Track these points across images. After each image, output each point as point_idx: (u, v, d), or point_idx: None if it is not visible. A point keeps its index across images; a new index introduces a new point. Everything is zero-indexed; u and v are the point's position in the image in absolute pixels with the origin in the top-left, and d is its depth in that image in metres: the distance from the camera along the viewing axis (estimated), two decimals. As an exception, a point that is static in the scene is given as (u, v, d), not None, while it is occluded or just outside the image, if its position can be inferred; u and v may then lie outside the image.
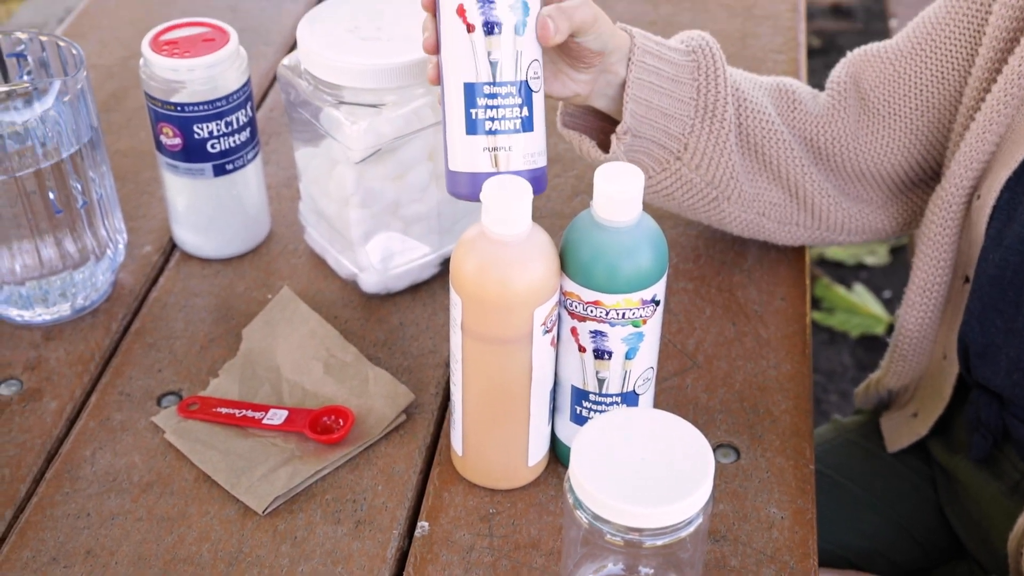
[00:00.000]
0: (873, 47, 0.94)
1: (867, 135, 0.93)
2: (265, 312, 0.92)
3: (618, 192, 0.73)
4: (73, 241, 0.90)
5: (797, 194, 0.94)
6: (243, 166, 0.95)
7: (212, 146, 0.92)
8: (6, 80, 0.90)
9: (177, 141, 0.92)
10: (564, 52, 0.82)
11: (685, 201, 0.93)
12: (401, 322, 0.94)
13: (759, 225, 0.95)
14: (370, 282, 0.94)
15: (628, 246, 0.74)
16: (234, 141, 0.93)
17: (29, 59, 0.90)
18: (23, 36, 0.89)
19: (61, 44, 0.88)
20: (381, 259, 0.93)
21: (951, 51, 0.90)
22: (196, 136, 0.91)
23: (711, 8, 1.30)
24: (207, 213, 0.96)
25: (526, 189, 0.72)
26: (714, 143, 0.88)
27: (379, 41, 0.87)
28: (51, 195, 0.87)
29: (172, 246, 1.01)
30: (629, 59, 0.84)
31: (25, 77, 0.90)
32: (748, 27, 1.27)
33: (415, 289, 0.96)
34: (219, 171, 0.94)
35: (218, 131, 0.91)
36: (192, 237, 0.98)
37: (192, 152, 0.92)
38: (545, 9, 0.78)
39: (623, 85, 0.85)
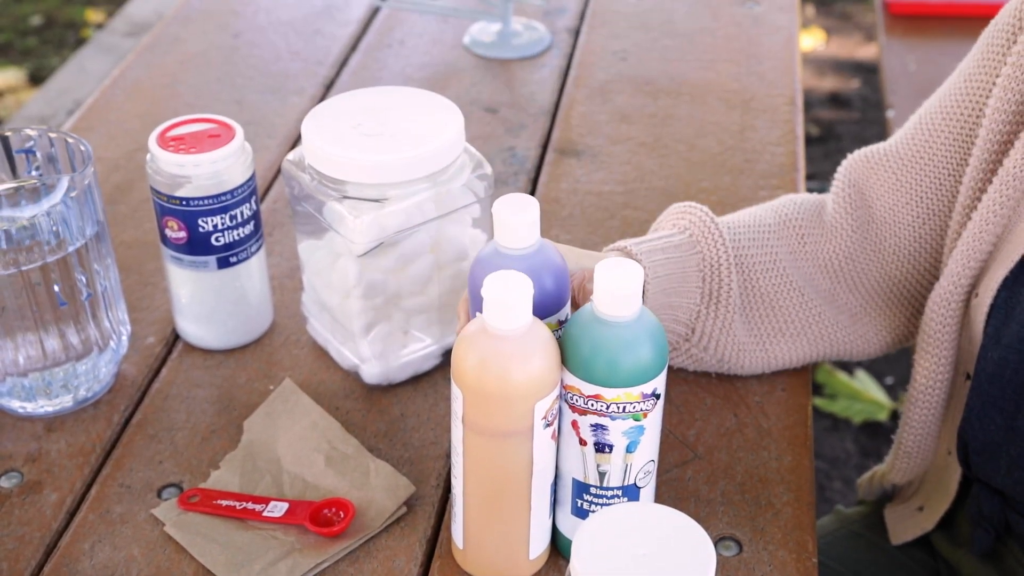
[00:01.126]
0: (873, 150, 0.96)
1: (878, 241, 0.95)
2: (267, 404, 0.93)
3: (618, 287, 0.73)
4: (77, 333, 0.90)
5: (813, 338, 0.96)
6: (247, 258, 0.96)
7: (216, 239, 0.93)
8: (15, 175, 0.91)
9: (182, 234, 0.93)
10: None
11: (699, 367, 0.97)
12: (402, 413, 0.94)
13: (773, 369, 0.97)
14: (372, 373, 0.94)
15: (628, 340, 0.75)
16: (238, 234, 0.94)
17: (38, 154, 0.91)
18: (32, 132, 0.91)
19: (70, 140, 0.90)
20: (382, 351, 0.94)
21: (947, 156, 0.91)
22: (200, 229, 0.92)
23: (709, 101, 1.32)
24: (210, 305, 0.97)
25: (526, 284, 0.73)
26: (720, 326, 0.93)
27: (382, 137, 0.88)
28: (56, 288, 0.87)
29: (175, 337, 1.01)
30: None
31: (33, 172, 0.91)
32: (746, 120, 1.29)
33: (416, 380, 0.97)
34: (223, 264, 0.95)
35: (222, 224, 0.93)
36: (195, 328, 0.99)
37: (196, 245, 0.93)
38: (581, 285, 0.83)
39: None
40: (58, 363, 0.90)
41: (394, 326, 0.94)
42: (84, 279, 0.89)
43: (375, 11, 1.54)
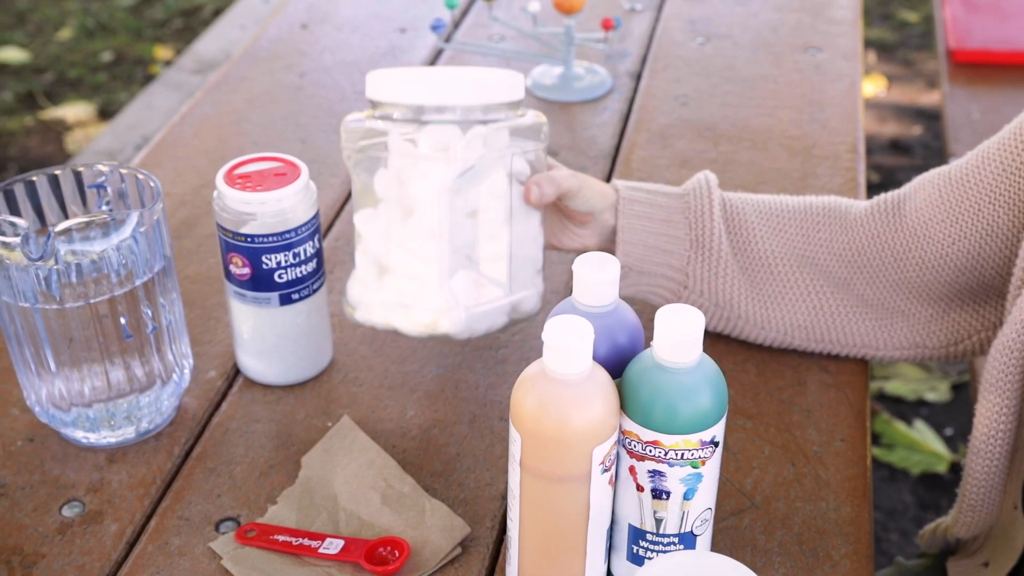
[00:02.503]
0: (933, 171, 0.99)
1: (904, 250, 0.97)
2: (325, 440, 0.93)
3: (679, 334, 0.73)
4: (141, 365, 0.92)
5: (820, 313, 1.00)
6: (309, 295, 0.97)
7: (279, 276, 0.94)
8: (86, 210, 0.93)
9: (246, 271, 0.94)
10: (563, 213, 0.99)
11: (710, 324, 1.02)
12: (458, 453, 0.94)
13: (788, 342, 1.02)
14: (456, 320, 0.93)
15: (688, 387, 0.75)
16: (301, 272, 0.95)
17: (109, 190, 0.93)
18: (104, 168, 0.93)
19: (139, 177, 0.92)
20: (463, 298, 0.93)
21: (993, 184, 0.93)
22: (264, 266, 0.94)
23: (770, 147, 1.32)
24: (271, 341, 0.98)
25: (587, 329, 0.73)
26: (712, 271, 0.99)
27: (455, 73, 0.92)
28: (123, 320, 0.89)
29: (236, 372, 1.03)
30: (616, 210, 0.99)
31: (104, 207, 0.93)
32: (808, 167, 1.28)
33: (472, 420, 0.97)
34: (285, 300, 0.96)
35: (286, 262, 0.94)
36: (255, 363, 1.00)
37: (260, 282, 0.94)
38: (535, 176, 0.94)
39: None
40: (122, 395, 0.92)
41: (470, 274, 0.94)
42: (150, 312, 0.90)
43: (438, 52, 1.56)
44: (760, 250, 1.00)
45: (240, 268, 0.94)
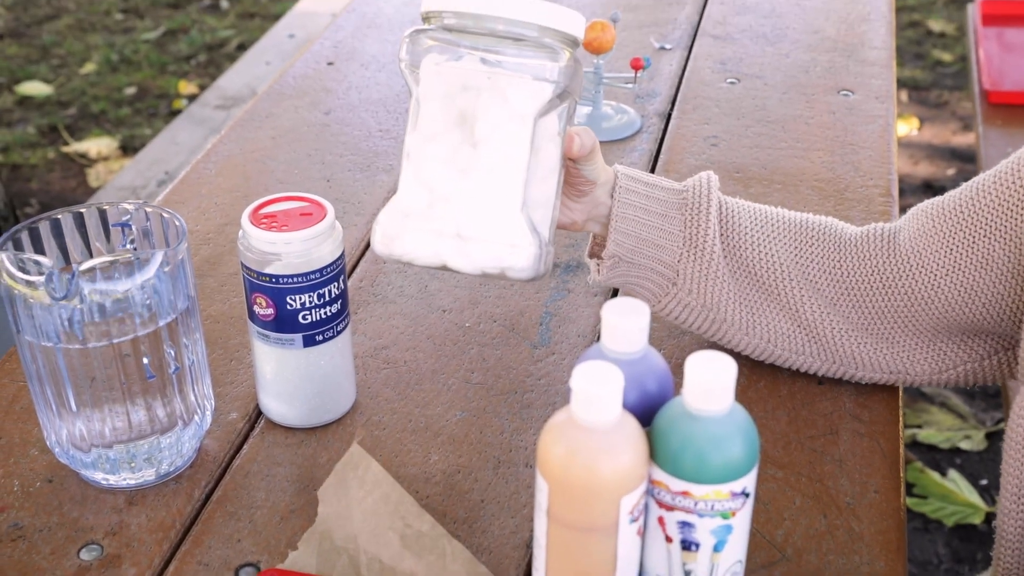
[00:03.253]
0: (927, 201, 0.98)
1: (893, 277, 0.97)
2: (337, 471, 0.92)
3: (710, 381, 0.72)
4: (163, 406, 0.90)
5: (804, 325, 0.99)
6: (333, 337, 0.96)
7: (303, 317, 0.93)
8: (110, 247, 0.93)
9: (269, 311, 0.93)
10: (565, 180, 0.96)
11: (691, 324, 1.03)
12: (482, 499, 0.92)
13: (769, 352, 1.02)
14: (529, 257, 0.87)
15: (719, 436, 0.73)
16: (325, 313, 0.94)
17: (133, 228, 0.93)
18: (129, 207, 0.92)
19: (164, 215, 0.91)
20: (530, 238, 0.88)
21: (987, 219, 0.92)
22: (288, 307, 0.92)
23: (802, 190, 1.31)
24: (294, 382, 0.97)
25: (616, 376, 0.71)
26: (703, 271, 0.99)
27: None
28: (145, 360, 0.88)
29: (258, 413, 1.01)
30: (612, 196, 0.98)
31: (128, 246, 0.93)
32: (840, 210, 1.27)
33: (497, 466, 0.95)
34: (309, 342, 0.94)
35: (310, 303, 0.93)
36: (278, 405, 0.99)
37: (283, 323, 0.93)
38: (574, 127, 0.92)
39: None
40: (143, 436, 0.90)
41: (538, 211, 0.90)
42: (173, 353, 0.89)
43: (465, 92, 1.55)
44: (752, 256, 0.99)
45: (264, 309, 0.93)
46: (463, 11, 0.86)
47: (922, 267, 0.95)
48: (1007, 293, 0.92)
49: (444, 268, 0.90)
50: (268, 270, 0.91)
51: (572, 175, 0.96)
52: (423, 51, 0.88)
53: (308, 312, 0.93)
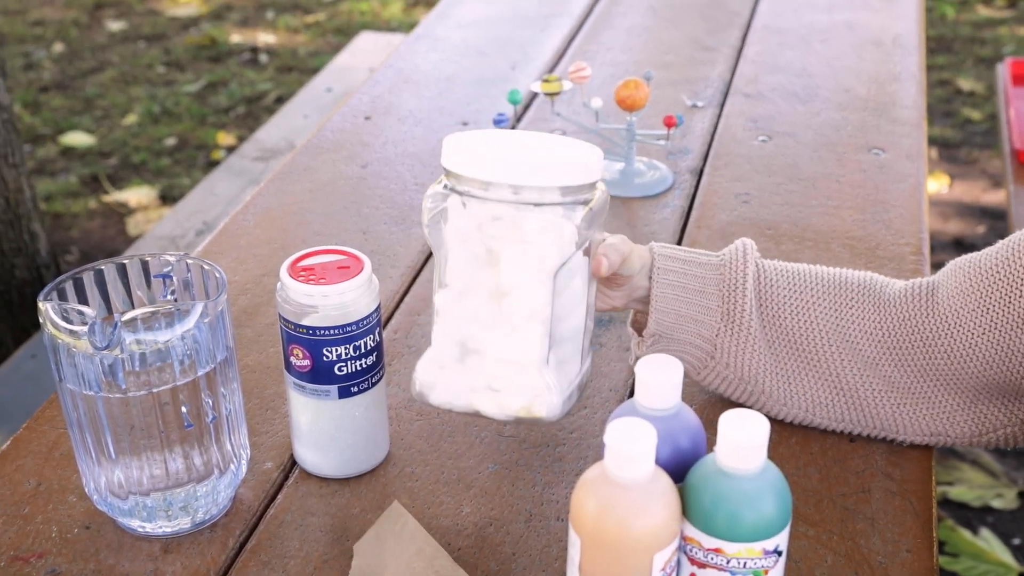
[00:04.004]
0: (965, 257, 0.99)
1: (932, 335, 0.97)
2: (376, 526, 0.92)
3: (743, 439, 0.72)
4: (200, 455, 0.92)
5: (843, 390, 1.00)
6: (368, 389, 0.97)
7: (339, 369, 0.94)
8: (151, 297, 0.94)
9: (306, 363, 0.94)
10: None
11: (730, 394, 1.04)
12: (514, 552, 0.93)
13: (808, 420, 1.03)
14: (553, 404, 0.91)
15: (752, 494, 0.74)
16: (361, 364, 0.95)
17: (174, 279, 0.94)
18: (171, 258, 0.94)
19: (205, 267, 0.93)
20: (558, 378, 0.91)
21: (1022, 279, 0.92)
22: (325, 359, 0.94)
23: (833, 248, 1.31)
24: (329, 433, 0.98)
25: (649, 432, 0.72)
26: (739, 345, 1.00)
27: (538, 150, 0.88)
28: (184, 409, 0.89)
29: (292, 463, 1.02)
30: (651, 276, 1.01)
31: (169, 296, 0.94)
32: (871, 268, 1.27)
33: (529, 519, 0.96)
34: (344, 393, 0.96)
35: (346, 355, 0.94)
36: (312, 456, 1.00)
37: (319, 374, 0.94)
38: (602, 247, 0.95)
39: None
40: (180, 484, 0.92)
41: (556, 352, 0.92)
42: (211, 402, 0.91)
43: (500, 147, 1.57)
44: (790, 324, 1.00)
45: (301, 360, 0.94)
46: (482, 179, 0.87)
47: (960, 326, 0.95)
48: None
49: (477, 414, 0.94)
50: (305, 322, 0.93)
51: (608, 277, 0.99)
52: (444, 212, 0.89)
53: (344, 364, 0.94)
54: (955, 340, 0.96)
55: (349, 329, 0.93)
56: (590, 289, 0.95)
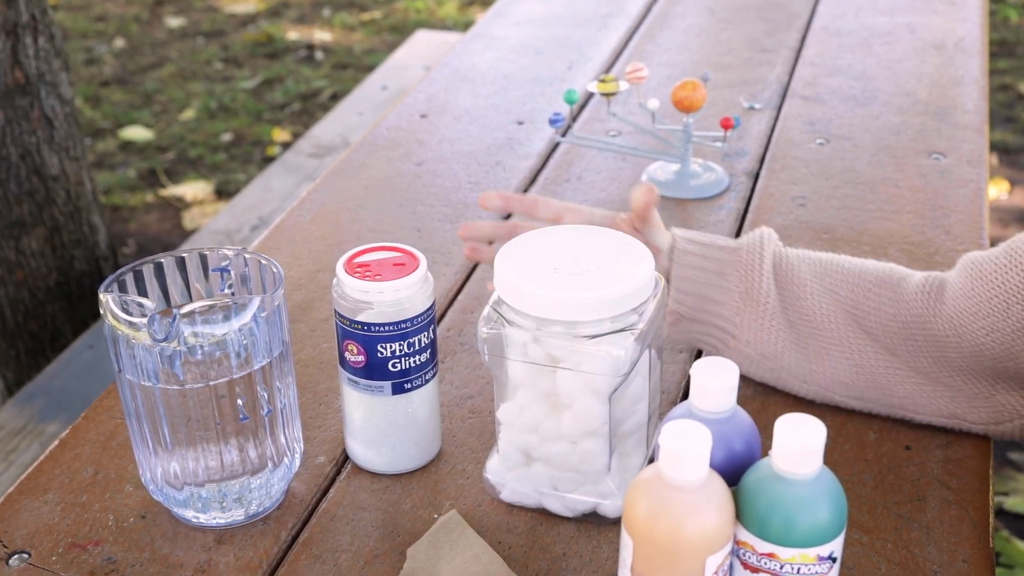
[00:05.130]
0: (970, 256, 1.00)
1: (943, 332, 0.98)
2: (431, 533, 0.93)
3: (799, 444, 0.72)
4: (255, 447, 0.92)
5: (863, 371, 1.02)
6: (421, 386, 0.97)
7: (393, 365, 0.95)
8: (209, 290, 0.95)
9: (360, 358, 0.95)
10: None
11: (752, 373, 1.07)
12: (564, 553, 0.93)
13: (829, 398, 1.05)
14: (615, 507, 0.93)
15: (806, 500, 0.73)
16: (415, 361, 0.95)
17: (232, 273, 0.95)
18: (229, 252, 0.95)
19: (263, 262, 0.93)
20: (622, 480, 0.93)
21: (1018, 287, 0.93)
22: (379, 355, 0.94)
23: (891, 252, 1.30)
24: (382, 428, 0.98)
25: (704, 435, 0.71)
26: (759, 323, 1.03)
27: (587, 274, 0.88)
28: (239, 402, 0.90)
29: (344, 458, 1.03)
30: (671, 258, 1.05)
31: (227, 290, 0.95)
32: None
33: (579, 522, 0.95)
34: (397, 389, 0.96)
35: (400, 351, 0.94)
36: (365, 451, 1.00)
37: (374, 370, 0.95)
38: (644, 185, 1.05)
39: None
40: (234, 476, 0.93)
41: (620, 453, 0.94)
42: (266, 396, 0.91)
43: (555, 146, 1.57)
44: (810, 306, 1.02)
45: (355, 355, 0.95)
46: (535, 316, 0.87)
47: (966, 327, 0.97)
48: None
49: (546, 512, 0.96)
50: (360, 318, 0.93)
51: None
52: (502, 339, 0.90)
53: (398, 360, 0.95)
54: (963, 339, 0.97)
55: (404, 326, 0.94)
56: (651, 380, 0.95)
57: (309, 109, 3.74)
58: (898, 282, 1.01)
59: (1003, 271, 0.95)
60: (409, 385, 0.96)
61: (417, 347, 0.95)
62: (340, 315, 0.95)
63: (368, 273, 0.94)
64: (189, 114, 3.72)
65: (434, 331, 0.97)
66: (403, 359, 0.95)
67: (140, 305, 0.88)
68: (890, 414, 1.04)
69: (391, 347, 0.94)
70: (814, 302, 1.02)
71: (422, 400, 0.98)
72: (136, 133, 3.60)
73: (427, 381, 0.98)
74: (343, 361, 0.97)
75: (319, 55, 4.17)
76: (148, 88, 3.91)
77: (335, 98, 3.76)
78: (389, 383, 0.96)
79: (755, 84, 1.73)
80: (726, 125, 1.39)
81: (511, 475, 0.96)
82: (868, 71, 1.76)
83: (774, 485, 0.73)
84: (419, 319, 0.95)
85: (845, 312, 1.02)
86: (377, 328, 0.93)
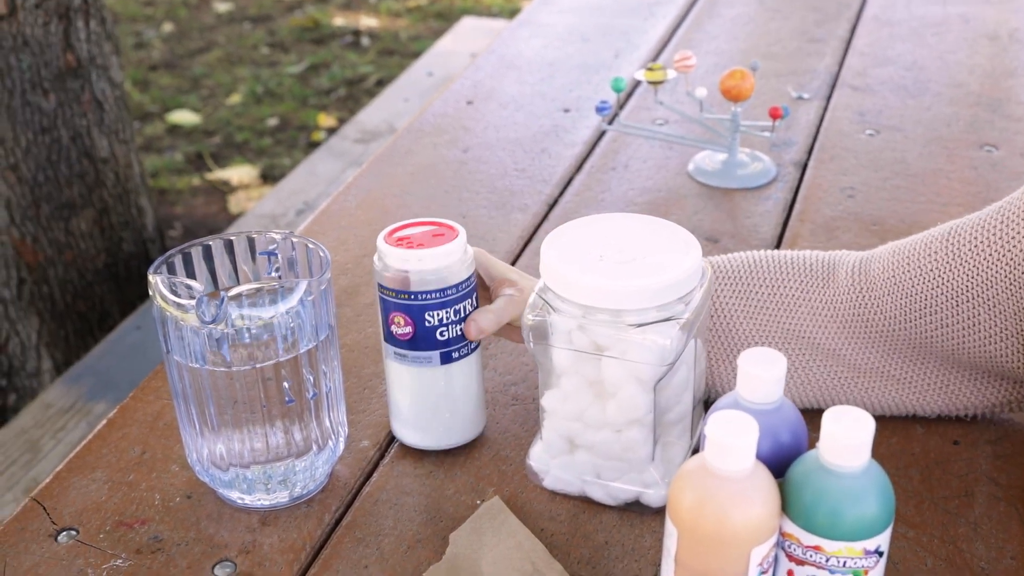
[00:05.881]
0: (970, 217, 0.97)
1: (881, 324, 0.97)
2: (473, 519, 0.93)
3: (848, 436, 0.71)
4: (300, 430, 0.93)
5: (812, 384, 1.00)
6: (468, 355, 0.97)
7: (441, 334, 0.95)
8: (256, 273, 0.96)
9: (408, 330, 0.95)
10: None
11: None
12: (607, 541, 0.92)
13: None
14: (659, 497, 0.93)
15: (854, 493, 0.72)
16: (461, 330, 0.95)
17: (279, 257, 0.96)
18: (277, 236, 0.95)
19: (310, 246, 0.94)
20: (666, 469, 0.93)
21: (1015, 239, 0.91)
22: (427, 324, 0.94)
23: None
24: (431, 402, 0.98)
25: (752, 426, 0.71)
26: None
27: (632, 263, 0.88)
28: (285, 385, 0.90)
29: (388, 442, 1.03)
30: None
31: (274, 273, 0.96)
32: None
33: (622, 510, 0.95)
34: (446, 359, 0.96)
35: (447, 319, 0.94)
36: (412, 429, 1.00)
37: (422, 340, 0.95)
38: (473, 314, 0.96)
39: None
40: (280, 458, 0.93)
41: (665, 442, 0.94)
42: (312, 379, 0.92)
43: (601, 134, 1.57)
44: (739, 332, 1.00)
45: (402, 328, 0.95)
46: (580, 303, 0.87)
47: (897, 318, 0.96)
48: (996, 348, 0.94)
49: (588, 500, 0.96)
50: (405, 288, 0.93)
51: (516, 332, 1.00)
52: (547, 327, 0.90)
53: (445, 328, 0.95)
54: (890, 314, 0.96)
55: (449, 293, 0.94)
56: (696, 369, 0.94)
57: (354, 95, 3.75)
58: (826, 277, 0.99)
59: (924, 249, 0.94)
60: (456, 354, 0.96)
61: (463, 315, 0.95)
62: (384, 288, 0.95)
63: (410, 243, 0.94)
64: (236, 99, 3.75)
65: (477, 300, 0.97)
66: (450, 327, 0.95)
67: (188, 287, 0.88)
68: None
69: (438, 315, 0.94)
70: (746, 326, 0.99)
71: (469, 370, 0.98)
72: (183, 117, 3.62)
73: (472, 351, 0.98)
74: (389, 336, 0.97)
75: (365, 41, 4.18)
76: (196, 72, 3.93)
77: (380, 84, 3.77)
78: (437, 353, 0.96)
79: (804, 74, 1.72)
80: (775, 115, 1.38)
81: (554, 462, 0.96)
82: (919, 61, 1.74)
83: (821, 477, 0.73)
84: (463, 286, 0.95)
85: (779, 327, 0.99)
86: (424, 296, 0.93)
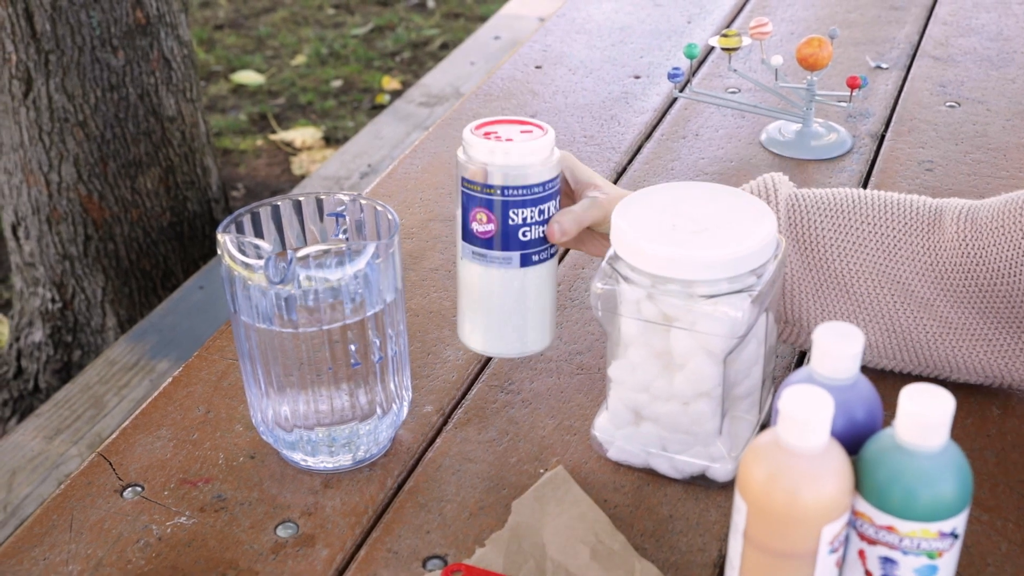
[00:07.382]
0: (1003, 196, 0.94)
1: (986, 279, 0.92)
2: (536, 488, 0.92)
3: (926, 415, 0.69)
4: (365, 394, 0.93)
5: (896, 332, 0.96)
6: (547, 259, 0.95)
7: (523, 234, 0.93)
8: (324, 235, 0.95)
9: (490, 227, 0.93)
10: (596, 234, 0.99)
11: (783, 339, 1.01)
12: (671, 515, 0.91)
13: (863, 361, 0.98)
14: (725, 471, 0.92)
15: (930, 473, 0.70)
16: (543, 232, 0.94)
17: (347, 219, 0.95)
18: (345, 198, 0.95)
19: (378, 208, 0.93)
20: (733, 444, 0.92)
21: None
22: (511, 222, 0.92)
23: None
24: (508, 306, 0.96)
25: (827, 402, 0.69)
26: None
27: (705, 232, 0.86)
28: (352, 347, 0.90)
29: (452, 408, 1.03)
30: None
31: (341, 235, 0.95)
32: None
33: (687, 484, 0.94)
34: (526, 261, 0.94)
35: (531, 218, 0.92)
36: (485, 333, 0.97)
37: (504, 238, 0.93)
38: (556, 215, 0.93)
39: None
40: (344, 421, 0.93)
41: (733, 416, 0.93)
42: (378, 342, 0.91)
43: (672, 101, 1.54)
44: (837, 267, 0.95)
45: (484, 225, 0.92)
46: (650, 273, 0.86)
47: (1011, 272, 0.91)
48: None
49: (653, 472, 0.95)
50: (491, 182, 0.91)
51: (600, 234, 0.97)
52: (616, 296, 0.88)
53: (528, 228, 0.92)
54: (997, 284, 0.91)
55: (536, 191, 0.91)
56: (767, 343, 0.92)
57: (419, 58, 3.74)
58: (930, 225, 0.94)
59: None
60: (537, 258, 0.94)
61: (546, 216, 0.93)
62: (468, 182, 0.92)
63: (497, 136, 0.92)
64: (300, 60, 3.75)
65: (559, 204, 0.95)
66: (533, 227, 0.93)
67: (256, 247, 0.88)
68: (922, 374, 0.99)
69: (522, 213, 0.92)
70: (842, 263, 0.95)
71: (546, 276, 0.96)
72: (248, 77, 3.64)
73: (551, 255, 0.96)
74: (468, 234, 0.93)
75: (431, 3, 4.16)
76: (260, 33, 3.94)
77: (445, 47, 3.76)
78: (518, 254, 0.93)
79: (883, 43, 1.67)
80: (852, 84, 1.34)
81: (619, 433, 0.95)
82: (1005, 32, 1.69)
83: (897, 456, 0.71)
84: (549, 185, 0.92)
85: (876, 268, 0.94)
86: (510, 192, 0.91)
